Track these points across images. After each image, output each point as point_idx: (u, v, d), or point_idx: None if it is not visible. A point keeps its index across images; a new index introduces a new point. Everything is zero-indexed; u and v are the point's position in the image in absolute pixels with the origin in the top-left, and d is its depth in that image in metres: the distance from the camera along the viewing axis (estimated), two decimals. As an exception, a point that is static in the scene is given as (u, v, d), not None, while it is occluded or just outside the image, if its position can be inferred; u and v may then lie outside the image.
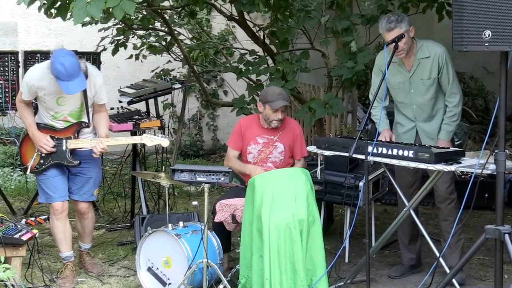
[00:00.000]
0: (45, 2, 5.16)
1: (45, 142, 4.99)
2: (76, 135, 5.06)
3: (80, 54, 6.49)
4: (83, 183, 5.16)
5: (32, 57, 6.41)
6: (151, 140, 5.07)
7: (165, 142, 5.06)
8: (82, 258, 5.38)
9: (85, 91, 4.99)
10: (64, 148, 5.04)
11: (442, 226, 5.11)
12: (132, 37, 7.60)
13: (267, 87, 5.51)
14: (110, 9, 4.69)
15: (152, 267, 4.87)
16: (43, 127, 5.06)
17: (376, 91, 4.62)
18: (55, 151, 5.02)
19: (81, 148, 5.07)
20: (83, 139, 5.08)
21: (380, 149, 4.48)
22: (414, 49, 4.92)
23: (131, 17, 6.89)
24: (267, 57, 6.77)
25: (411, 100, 5.03)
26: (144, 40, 7.72)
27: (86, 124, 5.10)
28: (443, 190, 5.01)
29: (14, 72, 6.47)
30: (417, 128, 5.07)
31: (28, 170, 5.07)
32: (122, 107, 6.48)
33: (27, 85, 4.97)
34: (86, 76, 4.88)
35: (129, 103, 6.30)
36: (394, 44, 4.66)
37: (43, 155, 5.05)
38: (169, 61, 8.22)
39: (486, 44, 3.72)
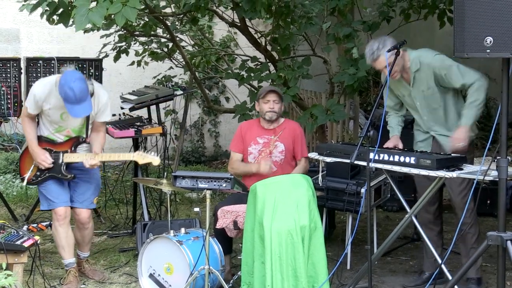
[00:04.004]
0: (47, 8, 5.18)
1: (43, 159, 5.03)
2: (73, 149, 5.10)
3: (82, 61, 6.53)
4: (84, 190, 5.17)
5: (34, 63, 6.39)
6: (143, 158, 5.06)
7: (156, 161, 5.05)
8: (81, 266, 5.37)
9: None
10: (60, 161, 5.08)
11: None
12: (134, 44, 7.61)
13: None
14: (112, 16, 4.71)
15: (154, 273, 4.86)
16: (44, 140, 5.09)
17: (383, 103, 4.52)
18: (52, 167, 5.07)
19: (76, 162, 5.10)
20: (78, 153, 5.11)
21: (381, 155, 4.48)
22: (408, 63, 4.81)
23: (133, 24, 6.90)
24: (269, 64, 6.78)
25: (418, 112, 4.94)
26: (146, 47, 7.73)
27: (84, 139, 5.14)
28: (458, 201, 4.87)
29: (16, 79, 6.46)
30: (435, 137, 4.93)
31: (25, 182, 5.15)
32: (124, 113, 6.49)
33: (34, 99, 4.98)
34: (92, 95, 4.91)
35: (131, 109, 6.30)
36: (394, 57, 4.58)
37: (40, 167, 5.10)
38: (171, 67, 8.24)
39: (488, 50, 3.71)
